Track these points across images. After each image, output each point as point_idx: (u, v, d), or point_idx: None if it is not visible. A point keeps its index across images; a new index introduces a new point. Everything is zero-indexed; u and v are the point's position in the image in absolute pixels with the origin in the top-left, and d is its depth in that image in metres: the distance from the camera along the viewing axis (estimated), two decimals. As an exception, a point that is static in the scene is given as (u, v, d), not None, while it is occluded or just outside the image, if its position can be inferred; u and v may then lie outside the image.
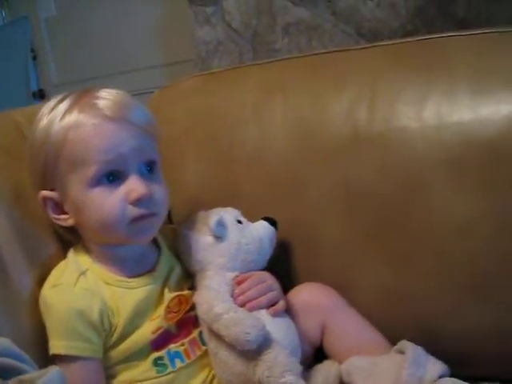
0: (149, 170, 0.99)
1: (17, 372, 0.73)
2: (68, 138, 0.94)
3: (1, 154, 1.08)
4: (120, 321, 0.97)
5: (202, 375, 1.01)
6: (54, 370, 0.66)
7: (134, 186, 0.95)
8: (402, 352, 0.98)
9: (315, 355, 1.08)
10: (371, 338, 1.05)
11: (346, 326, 1.06)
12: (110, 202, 0.94)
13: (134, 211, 0.95)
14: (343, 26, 2.22)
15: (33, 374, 0.68)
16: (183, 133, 1.26)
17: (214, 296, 0.98)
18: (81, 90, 1.01)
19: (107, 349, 0.97)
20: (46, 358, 0.93)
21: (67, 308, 0.94)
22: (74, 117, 0.95)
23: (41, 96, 3.24)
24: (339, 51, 1.21)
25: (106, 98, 0.97)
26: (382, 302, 1.09)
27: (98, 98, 0.97)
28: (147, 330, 0.98)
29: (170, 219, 1.23)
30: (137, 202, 0.95)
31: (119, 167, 0.95)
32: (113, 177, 0.95)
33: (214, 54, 2.50)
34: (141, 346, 0.98)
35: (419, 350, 0.96)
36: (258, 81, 1.23)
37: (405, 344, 0.98)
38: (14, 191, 1.05)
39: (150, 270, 1.03)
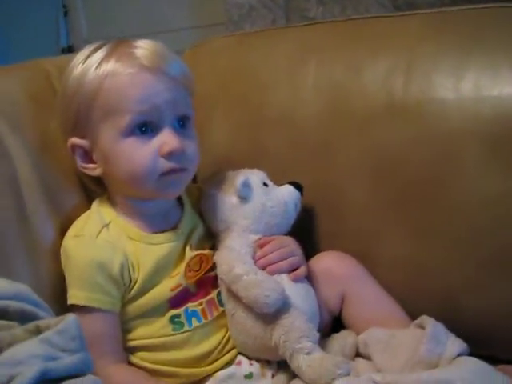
0: (182, 124, 0.97)
1: (34, 318, 0.72)
2: (103, 87, 0.93)
3: (29, 102, 1.06)
4: (140, 276, 0.96)
5: (218, 336, 1.00)
6: (70, 317, 0.65)
7: (166, 139, 0.93)
8: (421, 327, 0.96)
9: (333, 324, 1.07)
10: (391, 311, 1.03)
11: (366, 296, 1.04)
12: (141, 154, 0.93)
13: (164, 164, 0.94)
14: (379, -3, 2.17)
15: (50, 319, 0.67)
16: (213, 92, 1.24)
17: (234, 257, 0.96)
18: (117, 39, 0.99)
19: (125, 303, 0.96)
20: (63, 309, 0.92)
21: (88, 260, 0.94)
22: (110, 65, 0.94)
23: (70, 52, 3.22)
24: (377, 17, 1.17)
25: (144, 47, 0.95)
26: (404, 274, 1.07)
27: (135, 47, 0.95)
28: (166, 287, 0.97)
29: (194, 178, 1.21)
30: (168, 156, 0.93)
31: (153, 118, 0.93)
32: (145, 128, 0.93)
33: (246, 19, 2.45)
34: (159, 303, 0.97)
35: (439, 326, 0.94)
36: (293, 43, 1.20)
37: (425, 319, 0.96)
38: (40, 140, 1.04)
39: (172, 227, 1.01)
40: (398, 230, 1.06)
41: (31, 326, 0.66)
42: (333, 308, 1.05)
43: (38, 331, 0.66)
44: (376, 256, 1.08)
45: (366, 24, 1.16)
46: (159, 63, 0.94)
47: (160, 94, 0.93)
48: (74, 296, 0.94)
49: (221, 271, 0.97)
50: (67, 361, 0.61)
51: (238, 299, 0.94)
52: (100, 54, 0.95)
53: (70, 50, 3.23)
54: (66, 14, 3.23)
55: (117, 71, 0.93)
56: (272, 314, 0.91)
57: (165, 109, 0.94)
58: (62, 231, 1.00)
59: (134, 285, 0.96)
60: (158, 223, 1.01)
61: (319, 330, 0.94)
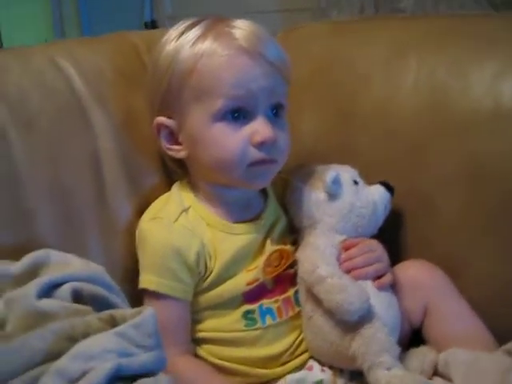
0: (275, 113, 0.92)
1: (106, 302, 0.69)
2: (198, 66, 0.88)
3: (117, 76, 1.03)
4: (216, 266, 0.91)
5: (291, 337, 0.95)
6: (148, 312, 0.60)
7: (259, 127, 0.88)
8: (510, 353, 0.88)
9: (412, 338, 0.99)
10: (477, 331, 0.95)
11: (451, 311, 0.96)
12: (231, 141, 0.88)
13: (255, 154, 0.88)
14: (475, -7, 2.05)
15: (125, 310, 0.63)
16: (305, 79, 1.16)
17: (318, 256, 0.90)
18: (214, 17, 0.93)
19: (197, 292, 0.92)
20: (135, 292, 0.90)
21: (164, 244, 0.89)
22: (207, 44, 0.88)
23: (153, 27, 3.20)
24: (484, 16, 1.09)
25: (243, 28, 0.90)
26: (492, 294, 0.98)
27: (234, 27, 0.90)
28: (242, 280, 0.92)
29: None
30: (260, 145, 0.88)
31: (247, 105, 0.88)
32: (238, 114, 0.88)
33: (334, 6, 2.38)
34: (233, 296, 0.92)
35: (532, 353, 0.86)
36: (393, 36, 1.11)
37: (516, 345, 0.88)
38: (125, 115, 1.01)
39: (254, 218, 0.96)
40: (491, 247, 0.97)
41: (105, 315, 0.63)
42: (414, 320, 0.97)
43: (113, 321, 0.62)
44: (463, 271, 0.99)
45: (470, 22, 1.08)
46: (258, 46, 0.88)
47: (257, 79, 0.88)
48: (146, 280, 0.90)
49: (302, 270, 0.92)
50: (142, 358, 0.57)
51: (318, 301, 0.88)
52: (196, 31, 0.90)
53: (153, 25, 3.22)
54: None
55: (213, 51, 0.88)
56: (353, 322, 0.85)
57: (260, 95, 0.88)
58: (139, 212, 0.96)
59: (210, 275, 0.91)
60: (240, 212, 0.95)
61: (399, 343, 0.88)
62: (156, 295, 0.89)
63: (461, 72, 1.01)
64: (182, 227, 0.91)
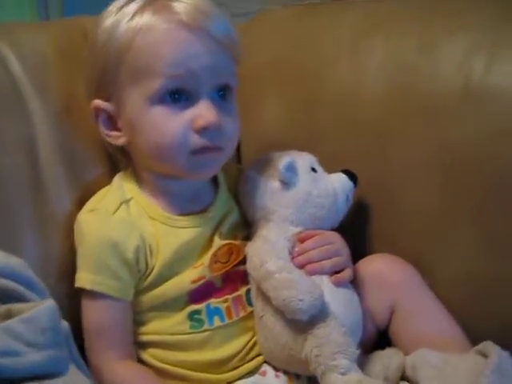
0: (222, 95, 0.84)
1: (21, 299, 0.60)
2: (134, 43, 0.80)
3: (59, 61, 0.95)
4: (158, 262, 0.83)
5: (242, 340, 0.87)
6: (44, 304, 0.52)
7: (202, 111, 0.80)
8: (483, 355, 0.80)
9: (377, 339, 0.91)
10: (448, 331, 0.87)
11: (421, 310, 0.88)
12: (171, 125, 0.80)
13: (197, 141, 0.80)
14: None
15: (25, 304, 0.55)
16: (267, 66, 1.09)
17: (268, 250, 0.82)
18: None
19: (139, 292, 0.84)
20: (72, 291, 0.83)
21: (100, 237, 0.81)
22: (145, 18, 0.80)
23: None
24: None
25: (185, 1, 0.81)
26: (467, 293, 0.90)
27: (175, 0, 0.81)
28: (187, 278, 0.84)
29: (238, 159, 1.08)
30: (202, 131, 0.80)
31: (188, 86, 0.80)
32: (179, 96, 0.80)
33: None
34: (177, 295, 0.84)
35: (506, 355, 0.78)
36: (359, 16, 1.03)
37: (489, 346, 0.80)
38: (66, 101, 0.93)
39: (202, 211, 0.88)
40: (467, 242, 0.89)
41: (2, 309, 0.54)
42: (379, 320, 0.89)
43: (9, 316, 0.53)
44: (435, 269, 0.92)
45: None
46: (201, 21, 0.79)
47: (199, 57, 0.79)
48: (82, 278, 0.82)
49: (250, 265, 0.84)
50: (31, 358, 0.49)
51: (268, 300, 0.80)
52: (135, 4, 0.82)
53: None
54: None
55: (151, 26, 0.79)
56: (305, 322, 0.77)
57: (203, 76, 0.80)
58: (80, 204, 0.88)
59: (151, 272, 0.83)
60: (186, 204, 0.87)
61: (361, 345, 0.80)
62: (92, 294, 0.81)
63: (430, 50, 0.93)
64: (120, 219, 0.83)
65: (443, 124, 0.90)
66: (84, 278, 0.81)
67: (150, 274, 0.83)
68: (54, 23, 1.06)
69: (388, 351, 0.87)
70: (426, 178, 0.92)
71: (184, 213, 0.86)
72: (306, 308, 0.75)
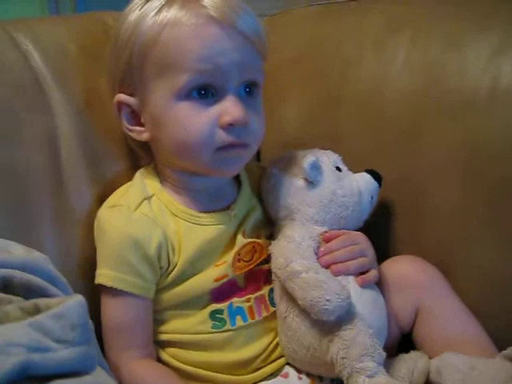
0: (248, 92, 0.82)
1: (43, 293, 0.59)
2: (161, 37, 0.78)
3: (81, 55, 0.94)
4: (180, 260, 0.81)
5: (265, 340, 0.85)
6: (74, 300, 0.50)
7: (229, 107, 0.78)
8: (511, 360, 0.78)
9: (402, 341, 0.89)
10: (474, 334, 0.85)
11: (445, 312, 0.86)
12: (197, 121, 0.78)
13: (223, 137, 0.78)
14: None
15: (52, 299, 0.53)
16: (289, 63, 1.07)
17: (293, 249, 0.80)
18: None
19: (160, 290, 0.82)
20: (92, 288, 0.81)
21: (122, 234, 0.80)
22: (172, 12, 0.78)
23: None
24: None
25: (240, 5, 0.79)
26: (491, 294, 0.88)
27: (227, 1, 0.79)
28: (210, 276, 0.83)
29: (258, 156, 1.06)
30: (229, 127, 0.78)
31: (215, 82, 0.78)
32: (205, 92, 0.78)
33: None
34: (199, 294, 0.82)
35: (535, 360, 0.76)
36: (384, 13, 1.02)
37: (518, 351, 0.78)
38: (87, 95, 0.92)
39: (225, 208, 0.87)
40: (491, 241, 0.88)
41: (29, 304, 0.53)
42: (404, 323, 0.88)
43: (37, 312, 0.52)
44: (459, 268, 0.90)
45: None
46: (230, 16, 0.77)
47: (227, 52, 0.77)
48: (102, 275, 0.80)
49: (275, 265, 0.82)
50: (61, 355, 0.47)
51: (293, 300, 0.78)
52: None
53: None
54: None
55: (179, 20, 0.77)
56: (331, 323, 0.75)
57: (230, 71, 0.78)
58: (101, 200, 0.87)
59: (173, 270, 0.81)
60: (208, 202, 0.86)
61: (385, 348, 0.77)
62: (113, 292, 0.80)
63: (457, 47, 0.92)
64: (142, 216, 0.81)
65: (470, 122, 0.89)
66: (105, 275, 0.80)
67: (171, 272, 0.81)
68: (75, 18, 1.04)
69: (412, 354, 0.85)
70: (450, 176, 0.91)
71: (207, 210, 0.85)
72: (332, 309, 0.73)
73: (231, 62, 0.77)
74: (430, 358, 0.83)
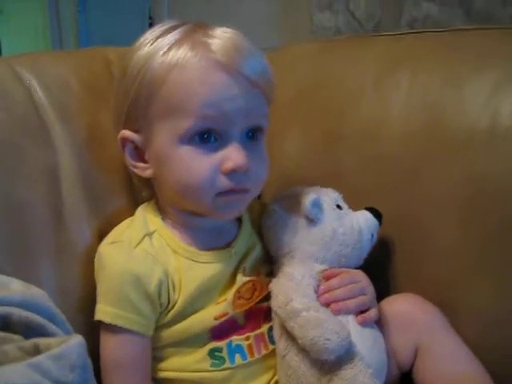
0: (251, 136, 0.81)
1: (43, 332, 0.58)
2: (169, 78, 0.76)
3: (83, 90, 0.94)
4: (181, 297, 0.81)
5: (264, 379, 0.84)
6: (74, 340, 0.50)
7: (231, 154, 0.77)
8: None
9: (401, 381, 0.88)
10: (474, 374, 0.83)
11: (446, 351, 0.85)
12: (199, 166, 0.77)
13: (224, 183, 0.77)
14: (476, 28, 1.98)
15: (52, 338, 0.52)
16: (290, 100, 1.08)
17: (293, 287, 0.80)
18: (195, 23, 0.82)
19: (160, 327, 0.81)
20: (91, 324, 0.80)
21: (122, 270, 0.79)
22: (180, 54, 0.77)
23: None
24: (483, 29, 0.98)
25: (223, 38, 0.78)
26: (489, 331, 0.88)
27: (212, 36, 0.78)
28: (210, 314, 0.82)
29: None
30: (230, 173, 0.77)
31: (219, 127, 0.77)
32: (208, 136, 0.77)
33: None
34: (199, 332, 0.81)
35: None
36: (384, 52, 1.03)
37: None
38: (89, 131, 0.92)
39: (225, 246, 0.86)
40: (492, 281, 0.87)
41: (29, 343, 0.52)
42: (403, 362, 0.86)
43: (37, 352, 0.51)
44: (459, 305, 0.89)
45: (470, 35, 0.99)
46: (237, 61, 0.76)
47: (233, 99, 0.76)
48: (101, 311, 0.79)
49: (276, 303, 0.81)
50: (60, 397, 0.46)
51: (293, 338, 0.78)
52: (172, 37, 0.79)
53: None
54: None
55: (187, 63, 0.76)
56: (331, 363, 0.74)
57: (235, 118, 0.77)
58: (100, 236, 0.87)
59: (173, 307, 0.81)
60: (209, 239, 0.85)
61: (385, 387, 0.77)
62: (112, 328, 0.79)
63: (455, 88, 0.92)
64: (143, 252, 0.81)
65: (470, 160, 0.89)
66: (104, 311, 0.79)
67: (171, 309, 0.81)
68: (77, 53, 1.05)
69: None
70: (450, 214, 0.90)
71: (207, 248, 0.84)
72: (332, 348, 0.73)
73: (237, 108, 0.77)
74: None
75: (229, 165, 0.77)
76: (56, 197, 0.86)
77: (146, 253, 0.81)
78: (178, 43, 0.78)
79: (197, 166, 0.77)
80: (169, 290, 0.80)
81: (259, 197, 1.06)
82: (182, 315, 0.81)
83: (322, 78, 1.07)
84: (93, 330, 0.80)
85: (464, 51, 0.96)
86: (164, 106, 0.78)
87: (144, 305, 0.79)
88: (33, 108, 0.88)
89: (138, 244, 0.81)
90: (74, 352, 0.49)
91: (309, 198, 0.84)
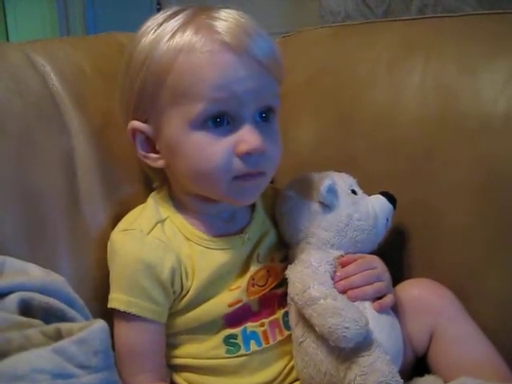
0: (264, 117, 0.80)
1: (61, 316, 0.59)
2: (176, 64, 0.75)
3: (97, 76, 0.94)
4: (194, 284, 0.80)
5: (279, 365, 0.84)
6: (97, 325, 0.50)
7: (246, 136, 0.76)
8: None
9: (416, 365, 0.88)
10: (489, 358, 0.83)
11: (461, 336, 0.85)
12: (213, 151, 0.76)
13: (240, 166, 0.76)
14: (486, 13, 1.96)
15: (74, 324, 0.53)
16: (303, 85, 1.07)
17: (310, 275, 0.79)
18: (197, 6, 0.81)
19: (173, 314, 0.81)
20: (105, 311, 0.80)
21: (135, 258, 0.79)
22: (186, 38, 0.75)
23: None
24: (497, 14, 0.97)
25: (228, 19, 0.77)
26: (507, 316, 0.87)
27: (217, 19, 0.77)
28: (224, 301, 0.82)
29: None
30: (246, 156, 0.76)
31: (230, 110, 0.76)
32: (221, 119, 0.76)
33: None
34: (213, 319, 0.81)
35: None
36: (398, 36, 1.02)
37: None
38: (104, 117, 0.92)
39: (238, 232, 0.86)
40: (504, 258, 0.87)
41: (51, 328, 0.52)
42: (418, 346, 0.86)
43: (58, 336, 0.52)
44: (473, 294, 0.89)
45: (485, 19, 0.98)
46: (244, 41, 0.75)
47: (242, 80, 0.75)
48: (115, 299, 0.80)
49: (293, 290, 0.80)
50: (84, 381, 0.46)
51: (310, 325, 0.77)
52: (175, 22, 0.78)
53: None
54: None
55: (192, 47, 0.75)
56: (349, 350, 0.74)
57: (246, 99, 0.76)
58: (115, 221, 0.86)
59: (186, 294, 0.81)
60: (222, 226, 0.85)
61: (400, 372, 0.76)
62: (126, 316, 0.79)
63: (471, 72, 0.92)
64: (155, 240, 0.80)
65: (485, 145, 0.89)
66: (117, 299, 0.79)
67: (185, 296, 0.81)
68: (90, 39, 1.05)
69: (427, 378, 0.84)
70: (465, 199, 0.90)
71: (220, 234, 0.84)
72: (351, 336, 0.72)
73: (247, 89, 0.75)
74: (445, 382, 0.83)
75: (243, 147, 0.76)
76: (71, 183, 0.86)
77: (158, 241, 0.80)
78: (181, 28, 0.77)
79: (211, 150, 0.76)
80: (182, 277, 0.80)
81: (272, 182, 1.06)
82: (196, 302, 0.81)
83: (334, 64, 1.06)
84: (107, 317, 0.79)
85: (478, 36, 0.95)
86: (172, 93, 0.77)
87: (157, 292, 0.78)
88: (47, 94, 0.88)
89: (150, 231, 0.81)
90: (97, 337, 0.49)
91: (324, 183, 0.83)
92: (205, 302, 0.81)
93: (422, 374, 0.86)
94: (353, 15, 2.25)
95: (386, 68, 1.00)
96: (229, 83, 0.75)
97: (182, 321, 0.82)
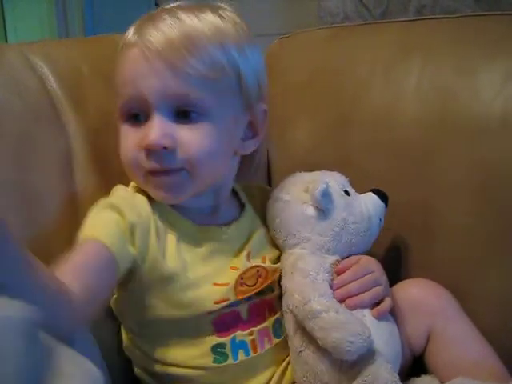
0: (185, 115, 0.73)
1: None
2: (118, 59, 0.76)
3: (96, 78, 0.91)
4: (169, 256, 0.73)
5: (266, 374, 0.77)
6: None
7: (148, 131, 0.72)
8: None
9: (413, 365, 0.85)
10: (487, 359, 0.80)
11: (458, 337, 0.81)
12: (125, 144, 0.74)
13: (145, 162, 0.72)
14: (484, 14, 1.95)
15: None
16: (301, 86, 1.03)
17: (309, 285, 0.74)
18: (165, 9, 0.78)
19: (156, 293, 0.74)
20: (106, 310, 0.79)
21: (105, 200, 0.74)
22: (128, 35, 0.75)
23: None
24: (495, 15, 0.95)
25: (162, 29, 0.73)
26: (504, 315, 0.86)
27: (155, 20, 0.74)
28: (209, 296, 0.74)
29: (269, 178, 1.03)
30: (149, 152, 0.71)
31: (139, 105, 0.73)
32: (137, 114, 0.75)
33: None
34: (199, 314, 0.74)
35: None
36: (395, 37, 0.97)
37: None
38: (101, 118, 0.90)
39: (226, 223, 0.80)
40: (506, 265, 0.85)
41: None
42: (416, 346, 0.83)
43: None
44: (470, 294, 0.87)
45: (482, 21, 0.95)
46: (148, 36, 0.72)
47: (145, 77, 0.72)
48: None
49: (292, 302, 0.74)
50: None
51: (309, 335, 0.72)
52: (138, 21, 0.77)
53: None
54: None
55: (124, 43, 0.77)
56: (352, 361, 0.69)
57: (150, 94, 0.72)
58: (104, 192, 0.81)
59: (157, 257, 0.73)
60: (205, 218, 0.79)
61: (398, 373, 0.72)
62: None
63: (469, 73, 0.88)
64: (138, 195, 0.76)
65: (483, 146, 0.87)
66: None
67: (157, 259, 0.73)
68: (88, 40, 1.02)
69: (424, 378, 0.81)
70: (462, 199, 0.88)
71: (204, 224, 0.78)
72: (355, 350, 0.67)
73: (150, 85, 0.72)
74: (442, 382, 0.79)
75: (143, 142, 0.71)
76: (69, 183, 0.83)
77: (140, 196, 0.76)
78: (133, 25, 0.78)
79: (124, 144, 0.75)
80: (149, 235, 0.73)
81: (269, 183, 1.05)
82: (177, 283, 0.74)
83: (332, 65, 1.02)
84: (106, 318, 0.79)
85: (476, 38, 0.91)
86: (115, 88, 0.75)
87: (113, 225, 0.71)
88: (46, 96, 0.84)
89: (137, 192, 0.78)
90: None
91: (318, 187, 0.78)
92: (188, 288, 0.74)
93: (418, 374, 0.82)
94: (351, 16, 2.24)
95: (384, 69, 0.96)
96: (133, 79, 0.73)
97: (168, 306, 0.74)
